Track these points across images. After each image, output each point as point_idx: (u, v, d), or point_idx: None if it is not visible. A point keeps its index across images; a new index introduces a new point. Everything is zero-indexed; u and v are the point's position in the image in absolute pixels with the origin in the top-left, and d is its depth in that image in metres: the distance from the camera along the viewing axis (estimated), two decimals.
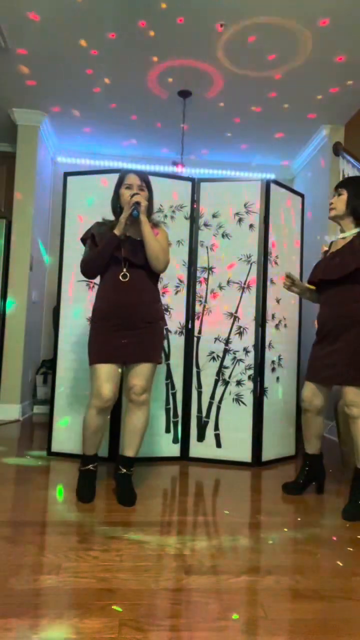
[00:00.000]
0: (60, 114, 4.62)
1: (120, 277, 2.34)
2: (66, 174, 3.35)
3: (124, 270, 2.34)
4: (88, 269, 2.39)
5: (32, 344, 4.90)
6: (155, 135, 4.95)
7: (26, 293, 4.58)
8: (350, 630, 1.33)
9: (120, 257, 2.34)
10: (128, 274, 2.34)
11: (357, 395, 2.35)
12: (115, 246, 2.33)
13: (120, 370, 2.38)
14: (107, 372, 2.31)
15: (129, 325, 2.33)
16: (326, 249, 2.56)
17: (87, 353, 2.39)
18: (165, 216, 3.30)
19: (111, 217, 2.49)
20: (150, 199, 2.42)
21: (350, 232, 2.44)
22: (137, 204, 2.30)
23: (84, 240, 2.47)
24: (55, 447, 3.22)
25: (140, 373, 2.35)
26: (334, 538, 1.99)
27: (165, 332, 2.48)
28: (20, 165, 4.64)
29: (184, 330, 3.31)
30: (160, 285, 3.26)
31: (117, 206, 2.44)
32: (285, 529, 2.07)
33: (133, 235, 2.38)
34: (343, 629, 1.34)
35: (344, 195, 2.43)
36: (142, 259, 2.35)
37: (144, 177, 2.42)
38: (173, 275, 3.31)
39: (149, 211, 2.41)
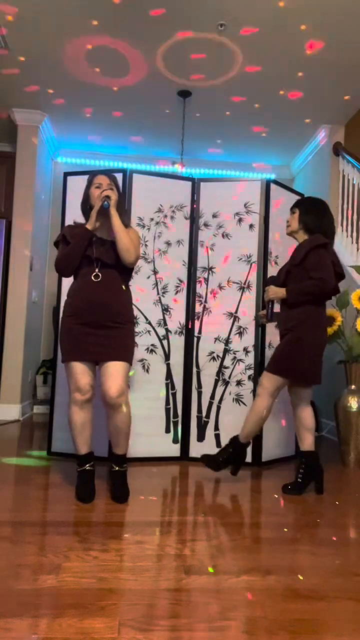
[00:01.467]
0: (60, 114, 4.62)
1: (93, 277, 2.37)
2: (66, 174, 3.35)
3: (96, 270, 2.37)
4: (63, 266, 2.42)
5: (32, 344, 4.90)
6: (155, 135, 4.96)
7: (26, 293, 4.58)
8: (350, 630, 1.33)
9: (92, 256, 2.37)
10: (100, 274, 2.37)
11: (265, 378, 2.63)
12: (88, 245, 2.37)
13: (94, 366, 2.42)
14: (81, 368, 2.35)
15: (99, 324, 2.35)
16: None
17: (60, 349, 2.42)
18: (165, 216, 3.30)
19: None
20: (120, 199, 2.45)
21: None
22: (107, 197, 2.34)
23: (56, 243, 2.53)
24: (55, 447, 3.22)
25: (114, 374, 2.33)
26: (334, 538, 1.99)
27: (134, 335, 2.51)
28: (20, 165, 4.64)
29: (184, 330, 3.31)
30: (160, 285, 3.27)
31: (87, 207, 2.47)
32: (285, 529, 2.07)
33: (105, 237, 2.42)
34: (343, 629, 1.34)
35: (296, 214, 2.70)
36: (114, 259, 2.38)
37: (112, 177, 2.48)
38: (173, 275, 3.31)
39: (120, 211, 2.43)
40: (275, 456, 3.31)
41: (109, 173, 2.50)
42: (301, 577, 1.63)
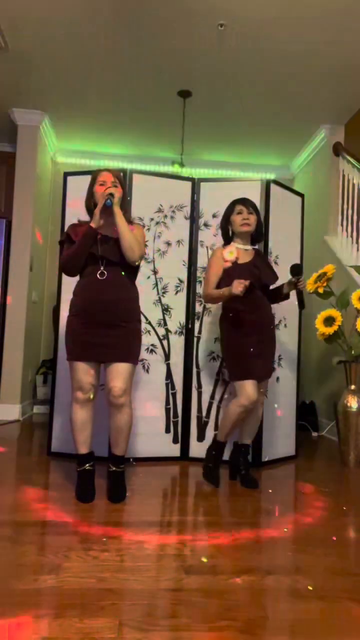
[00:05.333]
0: (60, 114, 4.62)
1: (98, 275, 2.36)
2: (66, 174, 3.35)
3: (102, 268, 2.37)
4: (69, 265, 2.41)
5: (32, 344, 4.90)
6: (155, 135, 4.95)
7: (26, 293, 4.58)
8: (350, 630, 1.33)
9: (97, 254, 2.37)
10: (105, 272, 2.37)
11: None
12: (92, 243, 2.36)
13: (98, 365, 2.42)
14: (84, 367, 2.36)
15: (105, 323, 2.34)
16: (235, 256, 2.70)
17: (65, 347, 2.41)
18: (165, 216, 3.30)
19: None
20: (124, 196, 2.45)
21: (250, 247, 2.77)
22: (110, 195, 2.34)
23: (61, 242, 2.53)
24: (55, 447, 3.22)
25: (118, 374, 2.34)
26: (334, 538, 1.99)
27: (141, 334, 2.50)
28: (20, 165, 4.64)
29: (184, 330, 3.31)
30: (160, 285, 3.27)
31: (91, 205, 2.47)
32: (285, 529, 2.07)
33: (109, 234, 2.41)
34: (343, 629, 1.34)
35: (255, 217, 2.72)
36: (119, 256, 2.38)
37: (117, 174, 2.47)
38: (173, 275, 3.31)
39: (124, 208, 2.44)
40: (275, 456, 3.31)
41: (113, 169, 2.49)
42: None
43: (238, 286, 2.48)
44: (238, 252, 2.71)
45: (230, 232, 2.77)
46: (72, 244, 2.40)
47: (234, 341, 2.68)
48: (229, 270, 2.67)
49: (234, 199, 2.77)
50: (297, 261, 3.59)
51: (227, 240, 2.79)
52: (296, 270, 2.66)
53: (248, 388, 2.56)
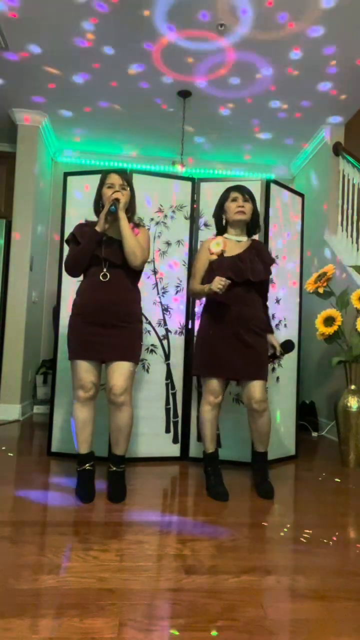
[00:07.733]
0: (60, 114, 4.62)
1: (101, 277, 2.38)
2: (66, 174, 3.35)
3: (104, 270, 2.38)
4: (72, 266, 2.43)
5: (32, 344, 4.90)
6: (155, 135, 4.95)
7: (26, 293, 4.58)
8: (350, 630, 1.33)
9: (100, 256, 2.38)
10: (108, 274, 2.38)
11: (265, 390, 2.54)
12: (96, 246, 2.38)
13: (99, 364, 2.43)
14: (86, 366, 2.37)
15: (106, 324, 2.36)
16: (221, 249, 2.57)
17: (67, 346, 2.43)
18: (165, 216, 3.30)
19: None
20: (132, 198, 2.46)
21: (245, 238, 2.62)
22: (116, 200, 2.34)
23: (67, 242, 2.54)
24: (55, 447, 3.22)
25: (119, 373, 2.35)
26: (334, 538, 1.99)
27: (142, 334, 2.51)
28: (20, 165, 4.64)
29: (184, 330, 3.31)
30: (160, 285, 3.27)
31: (99, 206, 2.48)
32: (285, 529, 2.07)
33: (114, 236, 2.42)
34: (343, 629, 1.34)
35: (250, 205, 2.57)
36: (122, 259, 2.39)
37: (125, 176, 2.46)
38: (173, 275, 3.31)
39: (132, 211, 2.46)
40: (275, 456, 3.31)
41: (121, 172, 2.47)
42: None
43: (217, 284, 2.38)
44: (225, 243, 2.57)
45: (224, 222, 2.63)
46: (78, 244, 2.41)
47: (205, 334, 2.58)
48: (213, 263, 2.55)
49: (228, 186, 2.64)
50: (297, 261, 3.59)
51: (221, 230, 2.67)
52: (288, 348, 2.66)
53: (213, 383, 2.54)
